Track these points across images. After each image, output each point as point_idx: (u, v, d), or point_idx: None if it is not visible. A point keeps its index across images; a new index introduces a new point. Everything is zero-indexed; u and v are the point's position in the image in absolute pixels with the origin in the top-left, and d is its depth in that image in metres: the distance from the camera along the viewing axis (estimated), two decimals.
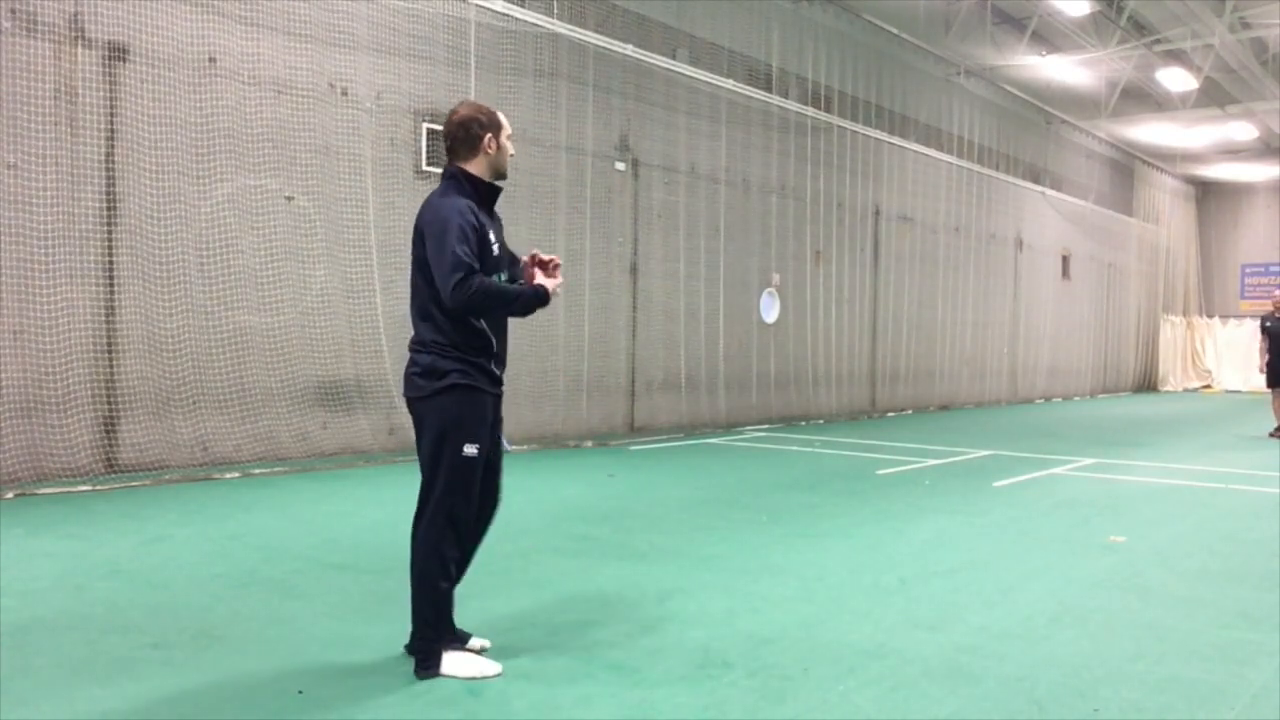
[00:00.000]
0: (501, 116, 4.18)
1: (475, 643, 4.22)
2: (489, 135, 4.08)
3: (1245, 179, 31.25)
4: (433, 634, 4.03)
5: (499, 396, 4.18)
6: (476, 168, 4.11)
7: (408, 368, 4.09)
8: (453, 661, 4.01)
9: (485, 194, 4.13)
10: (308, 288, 10.27)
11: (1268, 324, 15.21)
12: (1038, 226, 24.27)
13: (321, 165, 10.38)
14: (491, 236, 4.05)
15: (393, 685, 3.90)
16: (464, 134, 4.07)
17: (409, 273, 4.11)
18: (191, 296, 9.40)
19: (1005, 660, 4.31)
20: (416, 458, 4.09)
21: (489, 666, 4.03)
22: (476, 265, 3.90)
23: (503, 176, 4.19)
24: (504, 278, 4.11)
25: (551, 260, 4.21)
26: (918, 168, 19.75)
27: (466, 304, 3.89)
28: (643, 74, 13.84)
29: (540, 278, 4.16)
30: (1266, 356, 15.14)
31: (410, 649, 4.12)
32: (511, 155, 4.21)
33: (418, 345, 4.07)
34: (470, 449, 3.99)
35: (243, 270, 9.75)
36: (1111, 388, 28.33)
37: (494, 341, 4.11)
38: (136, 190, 9.01)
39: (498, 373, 4.15)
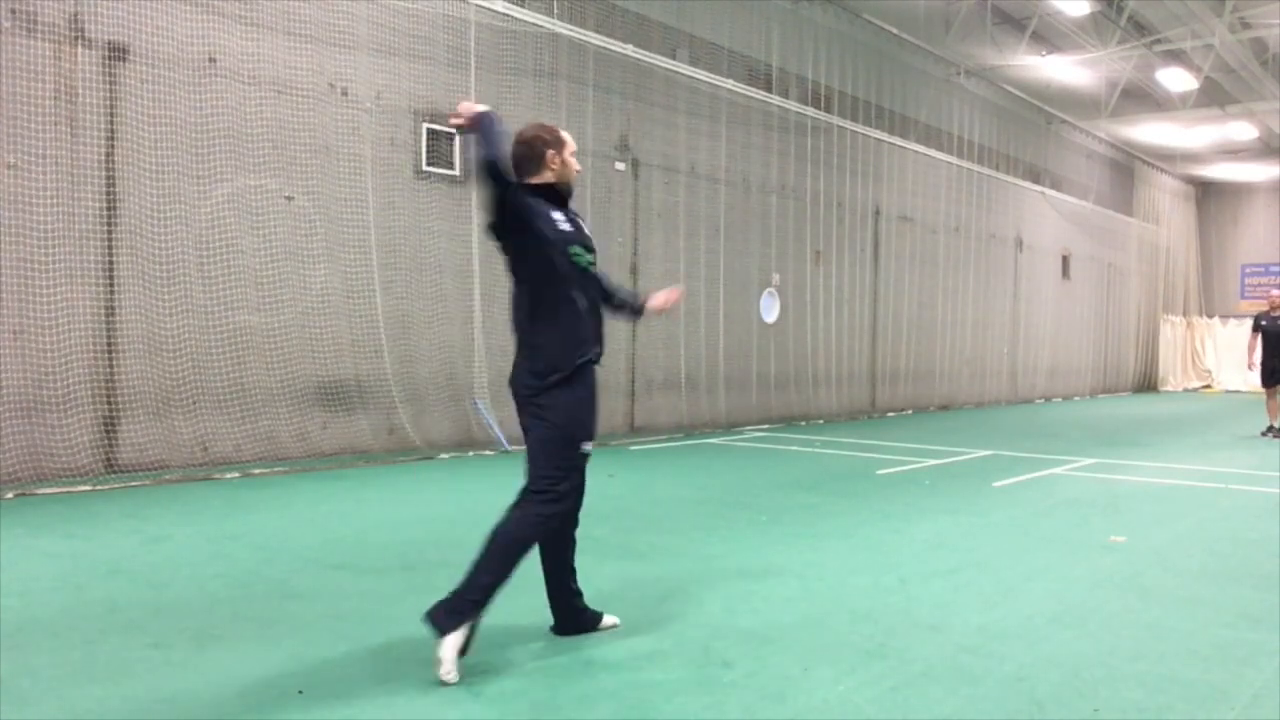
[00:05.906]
0: (566, 134, 4.38)
1: (608, 620, 4.60)
2: (552, 151, 4.30)
3: (1245, 179, 31.25)
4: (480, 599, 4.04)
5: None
6: (542, 180, 4.32)
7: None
8: (451, 643, 3.94)
9: (547, 192, 4.31)
10: (308, 288, 10.27)
11: (1263, 323, 15.14)
12: (1038, 226, 24.27)
13: (321, 165, 10.38)
14: (560, 215, 4.27)
15: (393, 685, 3.90)
16: (529, 151, 4.29)
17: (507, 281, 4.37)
18: (191, 296, 9.40)
19: (1005, 660, 4.31)
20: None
21: (452, 674, 3.92)
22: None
23: (569, 188, 4.40)
24: (592, 258, 4.37)
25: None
26: (918, 168, 19.75)
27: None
28: (643, 74, 13.83)
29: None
30: (1259, 354, 15.11)
31: (446, 604, 4.01)
32: (578, 170, 4.42)
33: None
34: None
35: (243, 270, 9.75)
36: (1111, 388, 28.32)
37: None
38: (136, 190, 9.01)
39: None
